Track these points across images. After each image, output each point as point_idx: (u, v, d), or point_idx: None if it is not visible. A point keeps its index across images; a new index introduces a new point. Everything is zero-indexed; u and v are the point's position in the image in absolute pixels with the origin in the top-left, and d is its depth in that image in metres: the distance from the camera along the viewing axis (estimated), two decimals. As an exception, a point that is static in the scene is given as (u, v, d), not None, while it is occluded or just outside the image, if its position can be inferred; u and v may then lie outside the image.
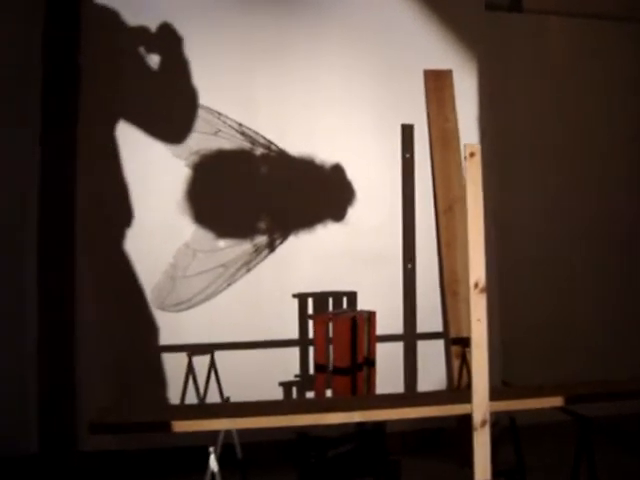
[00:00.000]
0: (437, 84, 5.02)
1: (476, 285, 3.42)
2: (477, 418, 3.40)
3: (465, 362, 4.80)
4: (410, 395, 4.17)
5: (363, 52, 5.00)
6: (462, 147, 5.00)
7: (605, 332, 5.29)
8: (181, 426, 3.10)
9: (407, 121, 4.99)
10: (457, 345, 4.84)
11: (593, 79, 5.44)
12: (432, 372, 4.97)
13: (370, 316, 4.32)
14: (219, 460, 3.81)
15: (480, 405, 3.38)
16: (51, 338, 4.36)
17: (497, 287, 5.05)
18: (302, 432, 4.25)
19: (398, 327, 4.95)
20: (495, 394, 3.56)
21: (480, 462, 3.37)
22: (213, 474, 3.10)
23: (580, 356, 5.17)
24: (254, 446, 4.35)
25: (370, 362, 4.34)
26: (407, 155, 5.05)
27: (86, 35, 4.63)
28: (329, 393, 4.36)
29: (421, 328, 4.98)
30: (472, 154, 3.51)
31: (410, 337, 4.96)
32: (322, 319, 4.19)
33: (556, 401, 3.56)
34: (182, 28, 4.76)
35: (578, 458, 3.39)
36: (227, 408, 3.63)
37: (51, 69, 4.50)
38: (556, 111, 5.34)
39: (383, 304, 4.90)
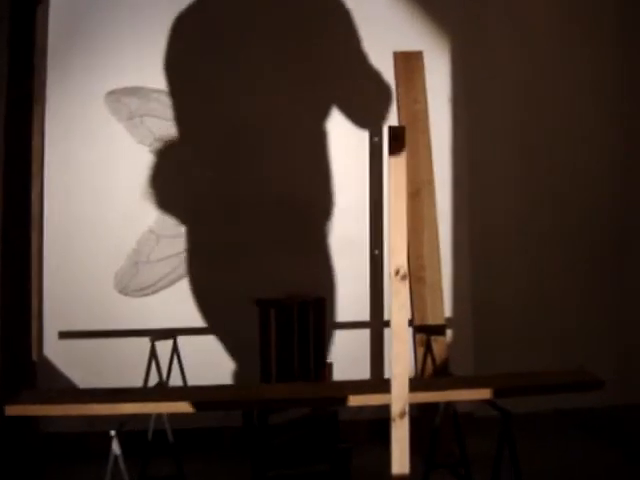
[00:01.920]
0: (407, 65, 4.88)
1: (397, 272, 3.33)
2: (395, 410, 3.32)
3: (429, 350, 4.73)
4: (334, 383, 4.12)
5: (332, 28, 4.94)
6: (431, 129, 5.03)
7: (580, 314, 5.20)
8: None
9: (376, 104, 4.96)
10: (421, 333, 4.77)
11: (573, 66, 5.22)
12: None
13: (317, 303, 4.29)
14: (153, 445, 3.88)
15: (399, 396, 3.31)
16: (9, 322, 4.45)
17: (470, 271, 5.01)
18: (249, 418, 4.27)
19: (365, 314, 4.95)
20: (418, 385, 3.52)
21: (398, 456, 3.29)
22: (116, 458, 3.10)
23: (556, 340, 5.08)
24: (194, 432, 4.42)
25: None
26: (375, 138, 4.97)
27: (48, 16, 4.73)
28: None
29: (388, 315, 4.93)
30: (396, 137, 3.42)
31: (377, 325, 4.92)
32: (264, 306, 4.16)
33: (482, 393, 3.48)
34: (145, 9, 4.74)
35: (500, 452, 3.30)
36: (150, 392, 3.65)
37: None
38: (534, 93, 5.14)
39: (349, 291, 4.89)
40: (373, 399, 3.42)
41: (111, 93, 4.70)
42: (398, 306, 3.35)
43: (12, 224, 4.47)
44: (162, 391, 3.68)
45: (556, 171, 5.14)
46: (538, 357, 4.90)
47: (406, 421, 3.30)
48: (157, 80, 4.72)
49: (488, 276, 5.03)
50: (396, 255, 3.36)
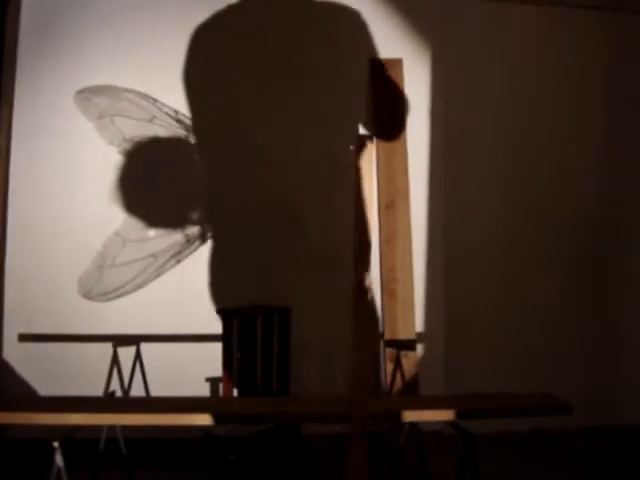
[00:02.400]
0: (383, 74, 4.79)
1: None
2: (354, 428, 3.24)
3: (399, 366, 4.62)
4: (289, 400, 3.99)
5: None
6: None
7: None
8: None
9: (354, 111, 4.82)
10: (391, 348, 4.66)
11: (558, 71, 5.09)
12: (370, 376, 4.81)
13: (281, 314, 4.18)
14: (107, 455, 3.76)
15: (358, 415, 3.22)
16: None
17: (444, 285, 4.90)
18: (208, 431, 4.15)
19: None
20: (378, 404, 3.42)
21: (355, 475, 3.20)
22: (59, 470, 2.99)
23: (531, 358, 4.96)
24: (151, 442, 4.30)
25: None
26: (350, 147, 4.87)
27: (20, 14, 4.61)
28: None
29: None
30: (363, 145, 3.35)
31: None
32: (227, 315, 4.05)
33: (444, 415, 3.37)
34: (115, 6, 4.65)
35: (461, 474, 3.19)
36: (100, 402, 3.54)
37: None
38: (517, 106, 5.01)
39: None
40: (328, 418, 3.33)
41: (81, 92, 4.57)
42: (360, 321, 3.30)
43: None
44: (112, 402, 3.55)
45: (537, 180, 5.02)
46: (511, 375, 4.81)
47: (365, 444, 3.22)
48: (129, 79, 4.61)
49: (463, 290, 4.90)
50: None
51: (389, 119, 4.78)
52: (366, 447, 3.17)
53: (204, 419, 3.10)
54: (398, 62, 4.77)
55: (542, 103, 5.06)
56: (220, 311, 4.18)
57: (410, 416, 3.28)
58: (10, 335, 4.54)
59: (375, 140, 4.69)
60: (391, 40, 4.79)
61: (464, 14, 4.90)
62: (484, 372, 4.80)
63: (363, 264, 3.27)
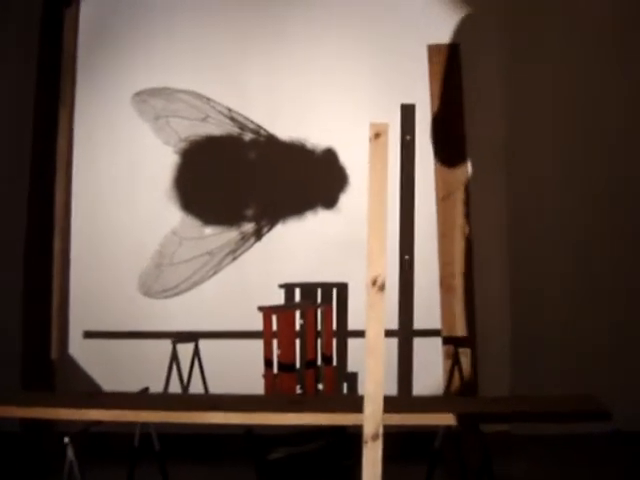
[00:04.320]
0: (441, 59, 4.59)
1: (374, 282, 3.09)
2: (368, 431, 3.08)
3: (457, 364, 4.42)
4: (310, 400, 3.79)
5: (362, 28, 4.65)
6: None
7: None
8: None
9: (409, 101, 4.64)
10: (449, 345, 4.46)
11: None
12: (429, 373, 4.60)
13: (325, 310, 4.07)
14: (140, 450, 3.80)
15: (372, 417, 3.06)
16: (31, 322, 4.51)
17: (508, 282, 4.63)
18: (248, 429, 4.11)
19: (393, 323, 4.67)
20: (395, 405, 3.24)
21: (370, 475, 3.06)
22: (71, 464, 3.04)
23: (601, 357, 4.63)
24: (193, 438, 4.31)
25: (326, 359, 4.10)
26: (407, 137, 4.67)
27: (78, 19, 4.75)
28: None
29: (419, 325, 4.63)
30: (378, 135, 3.18)
31: (405, 334, 4.64)
32: (267, 312, 3.99)
33: (459, 418, 3.16)
34: (171, 10, 4.72)
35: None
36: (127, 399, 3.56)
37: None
38: (586, 91, 4.69)
39: (378, 297, 4.63)
40: (343, 419, 3.19)
41: (138, 94, 4.69)
42: (373, 319, 3.13)
43: (36, 225, 4.55)
44: (143, 398, 3.57)
45: (607, 171, 4.69)
46: (581, 373, 4.51)
47: (379, 444, 3.07)
48: (182, 80, 4.68)
49: (529, 285, 4.65)
50: (374, 263, 3.14)
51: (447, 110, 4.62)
52: (380, 449, 3.04)
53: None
54: (454, 47, 4.59)
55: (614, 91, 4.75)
56: (260, 308, 4.15)
57: (425, 419, 3.10)
58: (75, 332, 4.72)
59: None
60: (447, 26, 4.61)
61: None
62: (552, 372, 4.53)
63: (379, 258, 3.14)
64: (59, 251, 4.61)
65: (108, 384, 4.66)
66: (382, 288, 3.11)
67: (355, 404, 2.83)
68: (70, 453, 3.06)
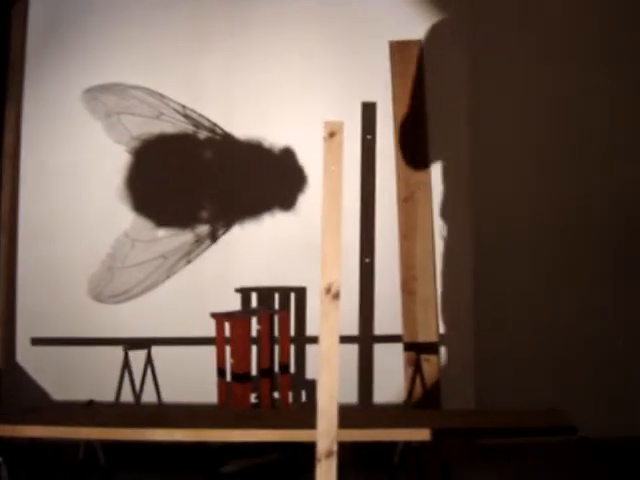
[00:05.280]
0: (403, 56, 4.45)
1: (328, 289, 2.93)
2: (321, 448, 2.92)
3: (419, 371, 4.29)
4: (262, 413, 3.70)
5: (323, 24, 4.50)
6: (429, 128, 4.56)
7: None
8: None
9: (370, 99, 4.50)
10: (410, 351, 4.32)
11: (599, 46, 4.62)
12: (391, 380, 4.45)
13: (281, 316, 3.91)
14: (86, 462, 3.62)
15: (326, 433, 2.91)
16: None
17: (472, 287, 4.50)
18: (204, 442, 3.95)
19: (353, 328, 4.52)
20: (353, 418, 3.10)
21: (324, 494, 2.91)
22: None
23: (567, 364, 4.50)
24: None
25: (282, 367, 3.95)
26: (368, 136, 4.54)
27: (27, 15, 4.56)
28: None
29: (380, 330, 4.50)
30: (332, 134, 3.03)
31: (365, 340, 4.50)
32: (220, 319, 3.83)
33: (420, 434, 3.02)
34: (125, 3, 4.53)
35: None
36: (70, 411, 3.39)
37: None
38: (552, 89, 4.54)
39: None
40: (296, 435, 3.03)
41: (88, 90, 4.49)
42: (327, 329, 2.97)
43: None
44: (86, 413, 3.41)
45: (574, 173, 4.54)
46: (544, 381, 4.40)
47: (333, 461, 2.92)
48: (135, 76, 4.49)
49: (493, 288, 4.49)
50: (328, 269, 2.99)
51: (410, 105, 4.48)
52: (334, 467, 2.89)
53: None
54: (416, 43, 4.45)
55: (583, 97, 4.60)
56: (213, 315, 3.98)
57: (380, 435, 2.96)
58: (23, 339, 4.51)
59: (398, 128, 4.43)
60: (409, 21, 4.47)
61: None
62: (517, 380, 4.40)
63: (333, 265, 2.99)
64: (5, 252, 4.43)
65: (58, 393, 4.47)
66: (337, 296, 2.96)
67: (311, 416, 2.67)
68: (4, 475, 2.89)
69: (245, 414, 3.40)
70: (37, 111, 4.53)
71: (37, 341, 4.52)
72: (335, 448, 2.83)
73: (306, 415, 3.01)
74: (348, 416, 3.10)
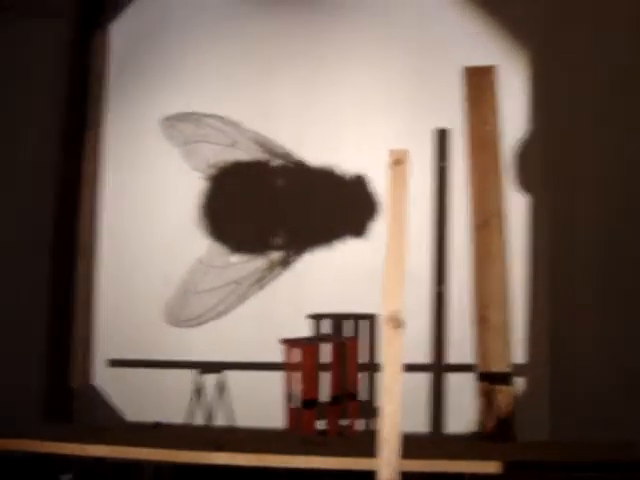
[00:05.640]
0: (477, 82, 4.39)
1: (391, 318, 2.91)
2: (382, 477, 2.88)
3: (491, 402, 4.18)
4: (327, 440, 3.62)
5: (395, 50, 4.53)
6: (503, 153, 4.48)
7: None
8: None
9: (443, 125, 4.47)
10: (483, 381, 4.22)
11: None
12: (463, 410, 4.36)
13: (350, 344, 3.89)
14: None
15: (388, 462, 2.86)
16: (54, 349, 4.45)
17: (547, 315, 4.39)
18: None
19: (425, 357, 4.45)
20: (420, 447, 3.04)
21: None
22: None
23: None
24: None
25: (351, 395, 3.92)
26: (441, 163, 4.52)
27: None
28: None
29: (453, 359, 4.43)
30: (398, 161, 3.02)
31: (437, 368, 4.43)
32: (289, 345, 3.83)
33: (483, 466, 2.93)
34: (198, 35, 4.67)
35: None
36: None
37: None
38: (624, 107, 4.41)
39: (409, 329, 4.42)
40: (356, 463, 3.00)
41: (167, 119, 4.64)
42: (390, 358, 2.94)
43: (60, 251, 4.50)
44: (152, 434, 3.44)
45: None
46: (624, 412, 4.21)
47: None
48: (211, 105, 4.61)
49: (570, 317, 4.37)
50: (391, 297, 2.97)
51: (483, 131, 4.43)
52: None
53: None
54: (491, 69, 4.41)
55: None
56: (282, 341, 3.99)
57: (445, 466, 2.90)
58: (100, 360, 4.64)
59: (469, 153, 4.38)
60: (483, 47, 4.46)
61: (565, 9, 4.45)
62: (595, 410, 4.24)
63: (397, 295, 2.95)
64: (83, 276, 4.57)
65: (131, 413, 4.58)
66: (400, 325, 2.93)
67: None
68: (69, 491, 2.96)
69: (310, 440, 3.38)
70: (118, 138, 4.71)
71: (114, 363, 4.69)
72: (396, 477, 2.81)
73: (372, 443, 2.99)
74: (415, 445, 3.07)
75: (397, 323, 2.86)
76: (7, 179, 4.75)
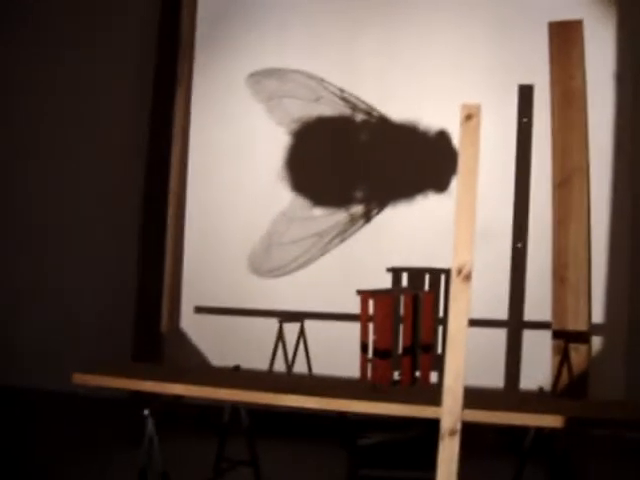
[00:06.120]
0: (563, 37, 4.30)
1: (459, 271, 2.96)
2: (445, 425, 2.95)
3: (567, 360, 4.17)
4: (397, 389, 3.67)
5: (479, 6, 4.48)
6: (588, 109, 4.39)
7: None
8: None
9: (527, 81, 4.42)
10: (559, 339, 4.21)
11: None
12: (538, 367, 4.37)
13: (425, 297, 3.93)
14: (229, 424, 3.82)
15: (451, 411, 2.93)
16: (144, 297, 4.68)
17: (628, 276, 4.32)
18: (342, 413, 4.07)
19: (503, 313, 4.49)
20: (475, 400, 3.08)
21: (444, 478, 2.93)
22: (151, 438, 3.09)
23: None
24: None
25: (425, 347, 3.98)
26: (524, 119, 4.45)
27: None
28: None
29: (530, 316, 4.43)
30: (469, 116, 3.03)
31: (514, 325, 4.43)
32: (365, 296, 3.91)
33: (547, 420, 2.95)
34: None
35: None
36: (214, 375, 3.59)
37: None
38: None
39: (487, 285, 4.44)
40: (421, 411, 3.07)
41: (252, 75, 4.74)
42: (456, 310, 3.00)
43: (151, 203, 4.70)
44: (230, 376, 3.60)
45: None
46: None
47: (456, 440, 2.95)
48: (296, 61, 4.68)
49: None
50: (460, 250, 3.02)
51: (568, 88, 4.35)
52: (457, 446, 2.91)
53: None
54: (577, 24, 4.31)
55: None
56: (359, 292, 4.08)
57: (506, 418, 2.94)
58: (187, 308, 4.87)
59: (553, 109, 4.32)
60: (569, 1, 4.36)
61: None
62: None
63: (466, 247, 3.00)
64: (172, 227, 4.77)
65: (216, 358, 4.79)
66: (468, 278, 2.98)
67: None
68: (150, 425, 3.13)
69: (380, 388, 3.47)
70: (205, 94, 4.84)
71: (200, 309, 4.90)
72: (459, 427, 2.87)
73: (440, 394, 3.07)
74: (486, 398, 3.14)
75: (465, 276, 2.92)
76: (103, 132, 5.00)
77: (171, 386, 3.21)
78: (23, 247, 5.14)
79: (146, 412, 3.13)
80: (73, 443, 4.38)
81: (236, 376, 3.60)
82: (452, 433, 2.83)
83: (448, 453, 2.84)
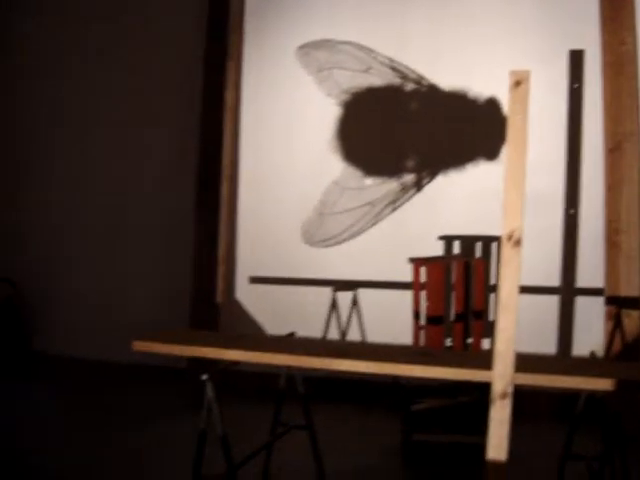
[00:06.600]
0: (614, 2, 4.27)
1: (510, 237, 2.99)
2: (496, 389, 3.00)
3: (619, 325, 4.17)
4: (448, 355, 3.69)
5: (529, -29, 4.49)
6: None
7: None
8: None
9: (577, 46, 4.39)
10: (611, 305, 4.21)
11: None
12: (591, 333, 4.39)
13: (476, 264, 3.96)
14: (285, 390, 3.92)
15: (502, 375, 2.98)
16: (200, 267, 4.80)
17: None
18: (396, 379, 4.14)
19: (555, 280, 4.50)
20: (526, 365, 3.11)
21: (496, 441, 2.98)
22: (210, 401, 3.20)
23: None
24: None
25: (477, 314, 4.01)
26: (575, 85, 4.42)
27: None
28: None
29: (582, 282, 4.43)
30: (518, 83, 3.03)
31: (567, 292, 4.44)
32: (417, 264, 3.96)
33: (598, 383, 2.97)
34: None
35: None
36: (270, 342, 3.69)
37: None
38: None
39: (540, 253, 4.46)
40: (471, 374, 3.13)
41: (302, 47, 4.79)
42: (507, 275, 3.04)
43: (206, 175, 4.80)
44: (284, 342, 3.70)
45: None
46: None
47: (508, 403, 3.00)
48: (345, 32, 4.72)
49: None
50: (510, 216, 3.05)
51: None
52: (509, 409, 2.97)
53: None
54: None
55: None
56: (411, 259, 4.13)
57: (558, 381, 2.98)
58: (242, 278, 4.98)
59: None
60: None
61: None
62: None
63: (516, 212, 3.03)
64: (226, 199, 4.86)
65: (270, 327, 4.91)
66: (518, 243, 3.01)
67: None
68: (209, 390, 3.25)
69: (431, 353, 3.54)
70: (256, 67, 4.91)
71: (254, 280, 5.02)
72: (510, 390, 2.92)
73: (491, 359, 3.12)
74: (537, 362, 3.18)
75: (516, 242, 2.96)
76: (155, 111, 5.13)
77: (228, 352, 3.32)
78: (92, 221, 5.37)
79: (204, 377, 3.25)
80: (136, 410, 4.55)
81: (291, 342, 3.70)
82: (503, 396, 2.88)
83: (499, 416, 2.89)
